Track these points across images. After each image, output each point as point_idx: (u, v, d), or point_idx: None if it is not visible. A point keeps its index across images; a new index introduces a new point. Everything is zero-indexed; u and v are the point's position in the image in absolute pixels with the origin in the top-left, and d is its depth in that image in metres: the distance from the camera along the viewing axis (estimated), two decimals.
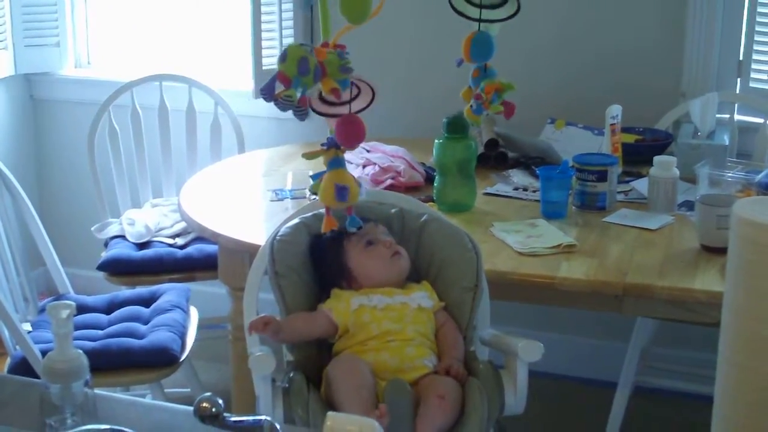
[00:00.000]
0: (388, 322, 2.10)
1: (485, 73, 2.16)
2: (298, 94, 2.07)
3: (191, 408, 1.19)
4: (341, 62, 2.11)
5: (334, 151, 2.11)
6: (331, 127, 2.13)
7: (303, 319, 2.13)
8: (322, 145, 2.14)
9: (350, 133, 2.09)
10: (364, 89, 2.11)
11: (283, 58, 2.05)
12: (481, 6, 2.12)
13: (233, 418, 1.20)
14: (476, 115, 2.15)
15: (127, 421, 1.42)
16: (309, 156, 2.13)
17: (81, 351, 1.31)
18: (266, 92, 2.07)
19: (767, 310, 1.34)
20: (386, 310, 2.11)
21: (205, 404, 1.17)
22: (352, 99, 2.06)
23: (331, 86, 2.11)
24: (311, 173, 2.17)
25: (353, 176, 2.13)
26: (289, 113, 2.16)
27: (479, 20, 2.10)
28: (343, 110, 2.08)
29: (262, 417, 1.23)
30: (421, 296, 2.16)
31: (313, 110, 2.10)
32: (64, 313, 1.28)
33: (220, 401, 1.18)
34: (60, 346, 1.29)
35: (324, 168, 2.12)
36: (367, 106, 2.10)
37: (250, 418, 1.22)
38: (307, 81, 2.08)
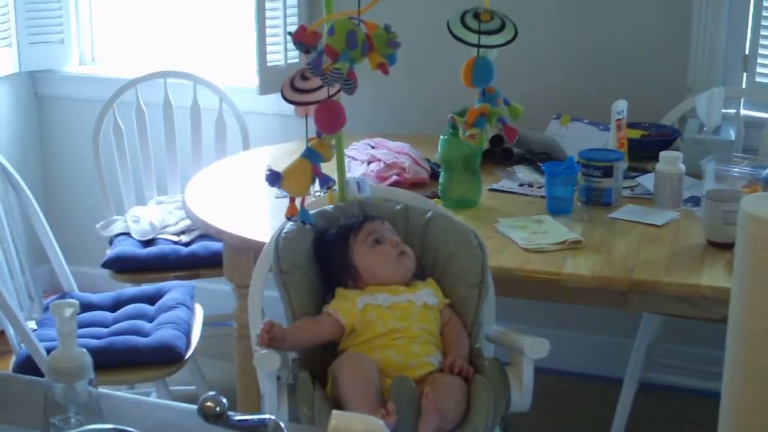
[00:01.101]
0: (393, 320, 2.09)
1: (484, 97, 2.17)
2: (347, 68, 2.06)
3: (195, 407, 1.19)
4: (389, 36, 2.11)
5: (313, 140, 2.10)
6: (300, 115, 2.11)
7: (308, 325, 2.12)
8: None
9: (331, 119, 2.07)
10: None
11: (331, 31, 2.04)
12: (479, 32, 2.13)
13: (237, 417, 1.20)
14: (468, 138, 2.17)
15: (132, 420, 1.42)
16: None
17: (85, 350, 1.31)
18: (314, 66, 2.06)
19: None
20: (392, 309, 2.11)
21: (209, 403, 1.16)
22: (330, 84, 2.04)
23: (379, 61, 2.10)
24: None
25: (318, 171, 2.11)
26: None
27: (478, 46, 2.11)
28: (315, 97, 2.06)
29: (267, 416, 1.23)
30: (427, 294, 2.16)
31: (285, 99, 2.09)
32: (68, 312, 1.27)
33: (224, 400, 1.18)
34: (64, 344, 1.29)
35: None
36: (339, 90, 2.08)
37: (255, 417, 1.22)
38: (354, 55, 2.07)
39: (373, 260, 2.16)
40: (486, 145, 3.06)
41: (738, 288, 1.40)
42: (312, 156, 2.11)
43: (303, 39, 2.06)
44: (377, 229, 2.19)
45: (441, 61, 3.64)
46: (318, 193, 2.77)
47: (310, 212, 2.26)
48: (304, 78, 2.08)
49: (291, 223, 2.22)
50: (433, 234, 2.26)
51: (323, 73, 2.06)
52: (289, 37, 3.63)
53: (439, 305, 2.16)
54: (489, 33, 2.16)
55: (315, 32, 2.07)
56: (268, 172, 2.10)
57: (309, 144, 2.12)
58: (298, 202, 2.13)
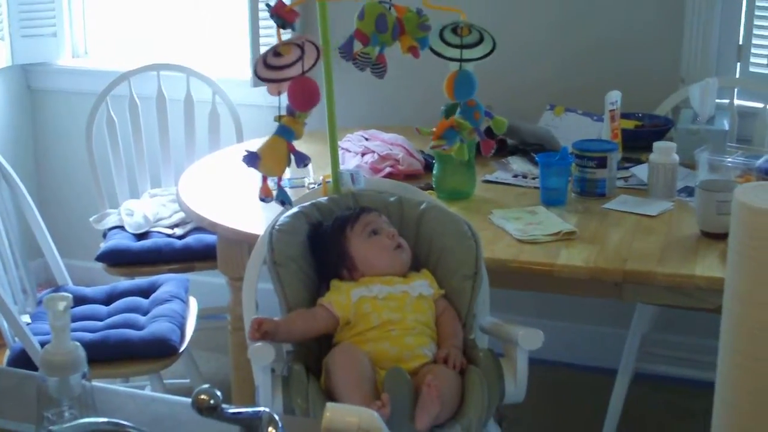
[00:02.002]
0: (388, 312, 2.09)
1: (462, 109, 2.17)
2: (377, 52, 2.06)
3: (190, 400, 1.18)
4: (420, 20, 2.10)
5: (285, 117, 2.10)
6: (273, 93, 2.10)
7: (302, 317, 2.12)
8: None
9: (305, 96, 2.06)
10: (309, 49, 2.07)
11: (361, 15, 2.05)
12: (462, 46, 2.13)
13: (231, 410, 1.19)
14: (444, 150, 2.18)
15: (126, 413, 1.42)
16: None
17: (78, 343, 1.30)
18: (345, 51, 2.06)
19: None
20: (387, 300, 2.11)
21: (203, 396, 1.16)
22: (298, 60, 2.03)
23: (410, 44, 2.10)
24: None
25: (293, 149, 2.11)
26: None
27: (460, 60, 2.13)
28: (287, 74, 2.05)
29: (261, 408, 1.23)
30: (422, 284, 2.16)
31: (258, 77, 2.08)
32: (61, 305, 1.27)
33: (218, 393, 1.17)
34: (57, 338, 1.29)
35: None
36: (314, 65, 2.07)
37: (249, 409, 1.22)
38: (385, 38, 2.09)
39: (370, 250, 2.16)
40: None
41: (732, 278, 1.40)
42: (285, 133, 2.10)
43: (281, 14, 2.04)
44: (374, 221, 2.19)
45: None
46: (312, 186, 2.78)
47: (305, 204, 2.26)
48: (276, 54, 2.06)
49: (285, 215, 2.22)
50: (427, 225, 2.25)
51: (354, 58, 2.06)
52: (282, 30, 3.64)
53: (434, 296, 2.16)
54: (468, 47, 2.17)
55: (293, 10, 2.06)
56: (245, 153, 2.09)
57: (281, 121, 2.11)
58: (274, 183, 2.12)
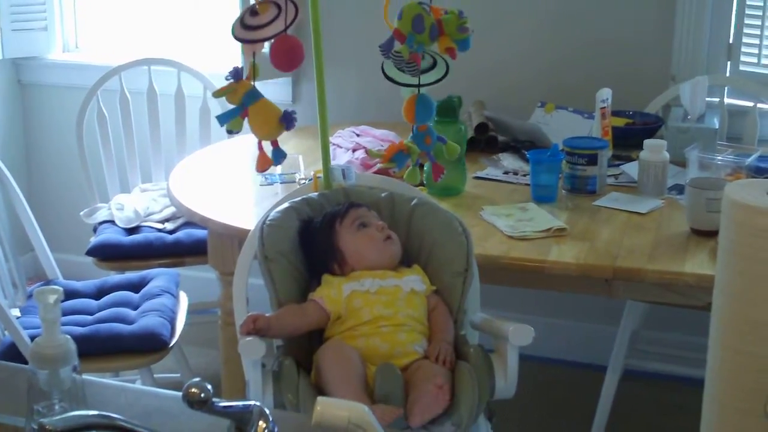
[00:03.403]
0: (379, 307, 2.09)
1: (414, 134, 2.19)
2: (413, 51, 2.07)
3: (180, 393, 1.18)
4: (460, 21, 2.11)
5: (245, 83, 2.09)
6: (248, 55, 2.09)
7: (293, 313, 2.11)
8: (228, 78, 2.09)
9: (289, 56, 2.05)
10: (288, 8, 2.06)
11: (399, 15, 2.06)
12: (419, 72, 2.15)
13: (222, 404, 1.19)
14: (394, 173, 2.20)
15: (116, 406, 1.42)
16: (219, 93, 2.11)
17: (69, 336, 1.30)
18: (384, 49, 2.08)
19: (759, 293, 1.34)
20: (379, 294, 2.11)
21: (193, 390, 1.16)
22: (276, 18, 2.03)
23: (447, 45, 2.11)
24: (218, 114, 2.17)
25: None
26: None
27: (418, 86, 2.14)
28: (266, 33, 2.04)
29: (251, 402, 1.23)
30: (414, 280, 2.16)
31: (235, 38, 2.07)
32: (52, 299, 1.27)
33: (209, 387, 1.17)
34: (47, 331, 1.28)
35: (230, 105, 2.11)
36: (293, 21, 2.06)
37: (240, 403, 1.22)
38: (422, 39, 2.10)
39: (360, 243, 2.16)
40: (471, 134, 3.07)
41: (721, 275, 1.40)
42: (258, 95, 2.09)
43: None
44: (363, 215, 2.19)
45: None
46: (303, 181, 2.78)
47: (296, 199, 2.26)
48: (253, 13, 2.05)
49: (276, 210, 2.22)
50: (418, 221, 2.26)
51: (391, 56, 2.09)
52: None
53: (426, 291, 2.16)
54: (423, 72, 2.18)
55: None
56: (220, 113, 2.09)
57: (249, 87, 2.09)
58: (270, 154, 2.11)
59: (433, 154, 2.25)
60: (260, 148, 2.13)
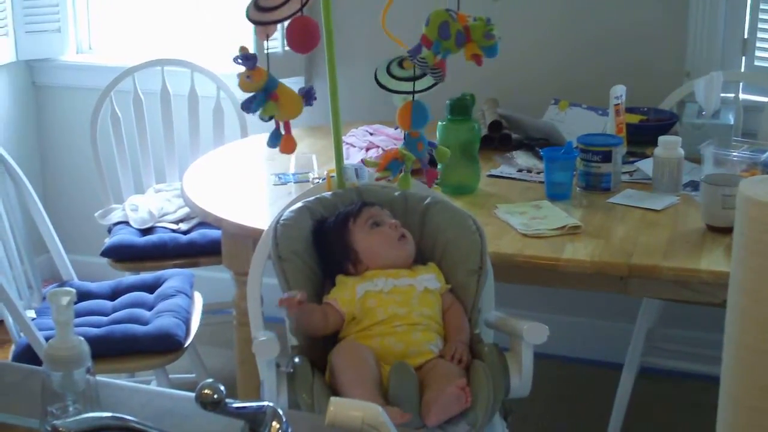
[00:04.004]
0: (394, 306, 2.09)
1: (406, 140, 2.18)
2: (439, 57, 2.10)
3: (194, 394, 1.18)
4: (487, 28, 2.12)
5: (261, 70, 2.08)
6: (261, 37, 2.08)
7: (321, 314, 2.11)
8: (238, 61, 2.08)
9: (304, 37, 2.03)
10: None
11: (427, 22, 2.07)
12: (413, 78, 2.14)
13: (235, 405, 1.19)
14: (389, 181, 2.19)
15: (130, 408, 1.42)
16: (246, 87, 2.10)
17: (82, 338, 1.30)
18: (413, 54, 2.12)
19: None
20: (392, 293, 2.11)
21: (206, 391, 1.16)
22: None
23: (473, 52, 2.13)
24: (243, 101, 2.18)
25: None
26: None
27: (413, 92, 2.15)
28: (280, 14, 2.03)
29: (265, 403, 1.22)
30: (429, 278, 2.15)
31: (250, 20, 2.07)
32: (64, 300, 1.27)
33: (222, 388, 1.17)
34: (61, 333, 1.28)
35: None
36: (305, 3, 2.05)
37: (253, 404, 1.21)
38: (448, 45, 2.13)
39: (374, 242, 2.15)
40: (484, 132, 3.06)
41: (737, 272, 1.39)
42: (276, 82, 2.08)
43: None
44: (376, 214, 2.19)
45: None
46: (316, 180, 2.78)
47: (309, 199, 2.26)
48: None
49: (289, 210, 2.22)
50: (431, 220, 2.25)
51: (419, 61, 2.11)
52: (285, 23, 3.63)
53: (441, 289, 2.16)
54: (413, 79, 2.17)
55: None
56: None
57: (266, 76, 2.08)
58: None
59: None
60: (288, 130, 2.12)
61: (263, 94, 2.11)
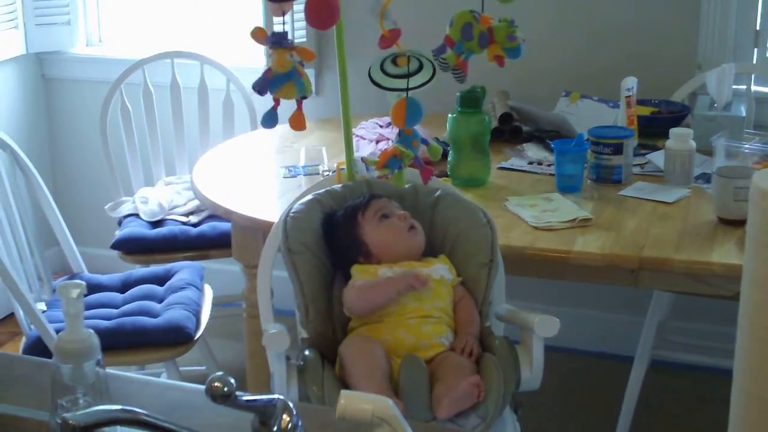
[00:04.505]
0: (406, 298, 2.09)
1: (400, 137, 2.17)
2: (462, 58, 2.14)
3: (204, 387, 1.18)
4: (509, 30, 2.13)
5: (284, 51, 2.06)
6: (278, 14, 2.05)
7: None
8: (272, 43, 2.05)
9: (323, 12, 2.01)
10: None
11: (451, 23, 2.09)
12: (408, 76, 2.13)
13: (245, 397, 1.19)
14: (388, 178, 2.18)
15: (140, 400, 1.42)
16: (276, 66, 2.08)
17: (92, 331, 1.30)
18: (436, 54, 2.16)
19: None
20: None
21: (216, 384, 1.15)
22: None
23: (495, 53, 2.18)
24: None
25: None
26: None
27: (407, 89, 2.13)
28: None
29: (275, 396, 1.22)
30: (442, 268, 2.15)
31: None
32: (74, 293, 1.26)
33: (232, 380, 1.17)
34: (71, 325, 1.28)
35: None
36: None
37: (263, 397, 1.21)
38: (471, 46, 2.16)
39: (383, 234, 2.15)
40: (495, 124, 3.05)
41: (750, 265, 1.38)
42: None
43: None
44: (385, 206, 2.18)
45: None
46: (326, 173, 2.77)
47: (319, 191, 2.26)
48: None
49: (299, 203, 2.21)
50: (442, 213, 2.25)
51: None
52: (297, 16, 3.62)
53: (453, 281, 2.15)
54: (408, 76, 2.16)
55: None
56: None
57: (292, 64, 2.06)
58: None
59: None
60: (300, 106, 2.10)
61: (285, 76, 2.10)
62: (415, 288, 2.05)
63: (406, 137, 2.15)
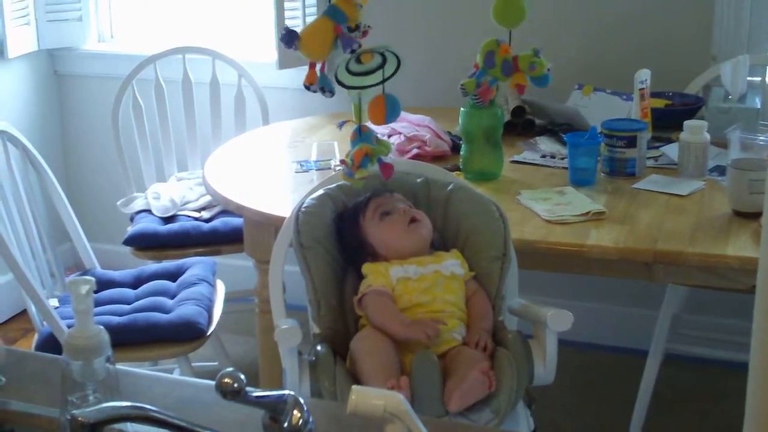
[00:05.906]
0: (418, 294, 2.08)
1: (361, 136, 2.13)
2: (488, 84, 2.36)
3: (214, 383, 1.17)
4: (532, 60, 2.29)
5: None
6: None
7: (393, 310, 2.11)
8: (284, 42, 1.97)
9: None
10: None
11: (480, 49, 2.16)
12: (376, 71, 2.07)
13: (256, 394, 1.18)
14: (349, 177, 2.14)
15: (151, 397, 1.41)
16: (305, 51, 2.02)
17: (102, 327, 1.29)
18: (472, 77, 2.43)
19: None
20: (419, 281, 2.10)
21: (226, 380, 1.15)
22: None
23: (518, 81, 2.34)
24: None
25: None
26: None
27: (383, 83, 2.06)
28: None
29: (286, 392, 1.21)
30: (453, 264, 2.14)
31: None
32: (83, 289, 1.26)
33: (242, 376, 1.16)
34: (80, 322, 1.28)
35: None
36: None
37: (274, 393, 1.20)
38: (495, 73, 2.32)
39: (385, 233, 2.14)
40: (507, 117, 3.04)
41: (765, 257, 1.37)
42: (335, 15, 1.95)
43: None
44: (384, 203, 2.17)
45: (461, 33, 3.61)
46: (338, 168, 2.76)
47: (331, 186, 2.25)
48: None
49: (311, 197, 2.20)
50: (454, 207, 2.24)
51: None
52: (308, 11, 3.62)
53: (464, 276, 2.14)
54: (371, 72, 2.11)
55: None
56: (283, 32, 1.97)
57: (332, 1, 1.95)
58: (318, 68, 1.99)
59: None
60: (312, 65, 2.02)
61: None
62: (426, 339, 2.03)
63: (366, 135, 2.10)
